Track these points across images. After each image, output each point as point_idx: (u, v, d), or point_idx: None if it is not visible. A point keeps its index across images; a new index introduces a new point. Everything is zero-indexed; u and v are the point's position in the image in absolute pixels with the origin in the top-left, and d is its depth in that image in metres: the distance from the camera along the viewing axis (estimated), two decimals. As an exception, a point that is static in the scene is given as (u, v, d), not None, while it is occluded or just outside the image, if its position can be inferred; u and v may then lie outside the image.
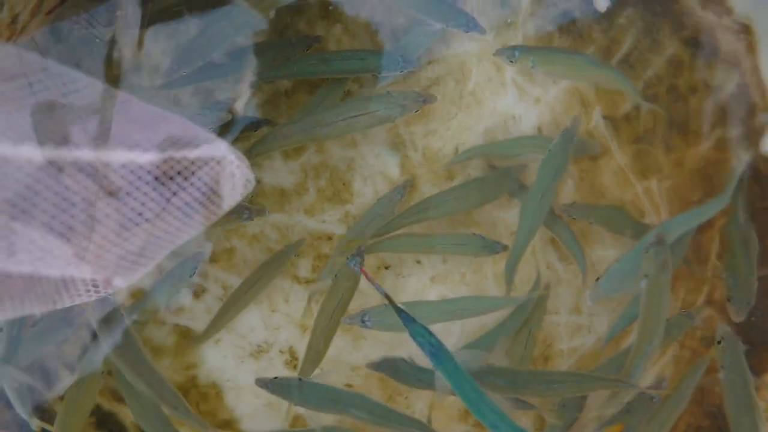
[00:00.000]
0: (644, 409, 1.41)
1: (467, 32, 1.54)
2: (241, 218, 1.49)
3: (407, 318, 1.24)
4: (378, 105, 1.47)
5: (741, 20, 1.58)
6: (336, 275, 1.46)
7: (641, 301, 1.41)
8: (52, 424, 1.46)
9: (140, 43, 1.54)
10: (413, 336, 1.24)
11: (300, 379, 1.42)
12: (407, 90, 1.51)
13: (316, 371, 1.47)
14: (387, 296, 1.23)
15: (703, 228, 1.56)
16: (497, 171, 1.54)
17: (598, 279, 1.45)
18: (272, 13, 1.57)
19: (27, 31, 1.49)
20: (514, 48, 1.51)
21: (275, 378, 1.42)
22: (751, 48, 1.59)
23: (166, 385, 1.44)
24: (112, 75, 1.54)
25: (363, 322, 1.43)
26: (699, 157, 1.60)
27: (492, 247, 1.49)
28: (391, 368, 1.41)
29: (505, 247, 1.49)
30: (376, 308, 1.44)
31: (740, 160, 1.55)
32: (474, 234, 1.51)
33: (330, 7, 1.61)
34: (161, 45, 1.56)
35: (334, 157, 1.61)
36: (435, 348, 1.23)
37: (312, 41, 1.57)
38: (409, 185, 1.57)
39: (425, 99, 1.48)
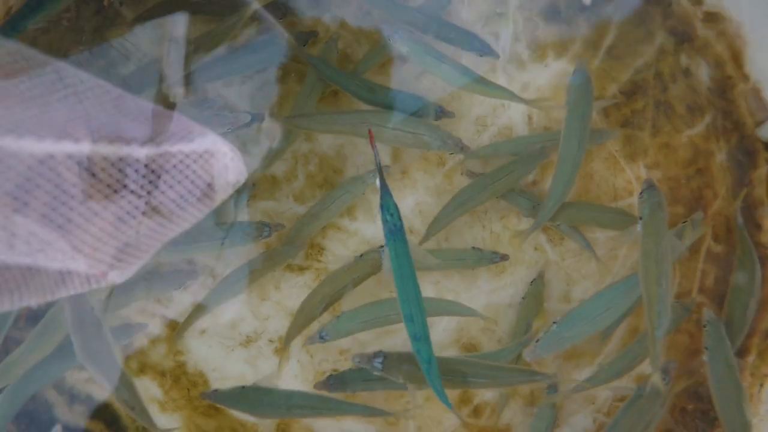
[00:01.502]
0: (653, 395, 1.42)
1: (481, 56, 1.56)
2: (261, 235, 1.51)
3: (385, 190, 1.27)
4: (425, 131, 1.50)
5: (713, 10, 1.63)
6: (361, 255, 1.50)
7: (640, 246, 1.39)
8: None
9: (132, 35, 1.53)
10: (383, 207, 1.26)
11: (243, 387, 1.44)
12: (452, 133, 1.53)
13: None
14: (378, 165, 1.27)
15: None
16: (521, 157, 1.55)
17: (537, 340, 1.42)
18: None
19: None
20: (395, 30, 1.52)
21: (215, 390, 1.44)
22: (731, 37, 1.63)
23: (129, 384, 1.45)
24: (103, 68, 1.53)
25: (321, 337, 1.45)
26: (684, 141, 1.62)
27: (491, 258, 1.53)
28: (340, 383, 1.43)
29: (504, 257, 1.53)
30: (329, 322, 1.46)
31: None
32: (473, 248, 1.55)
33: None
34: (151, 36, 1.55)
35: (323, 144, 1.61)
36: (395, 228, 1.26)
37: (309, 36, 1.61)
38: (386, 171, 1.56)
39: (463, 148, 1.52)
